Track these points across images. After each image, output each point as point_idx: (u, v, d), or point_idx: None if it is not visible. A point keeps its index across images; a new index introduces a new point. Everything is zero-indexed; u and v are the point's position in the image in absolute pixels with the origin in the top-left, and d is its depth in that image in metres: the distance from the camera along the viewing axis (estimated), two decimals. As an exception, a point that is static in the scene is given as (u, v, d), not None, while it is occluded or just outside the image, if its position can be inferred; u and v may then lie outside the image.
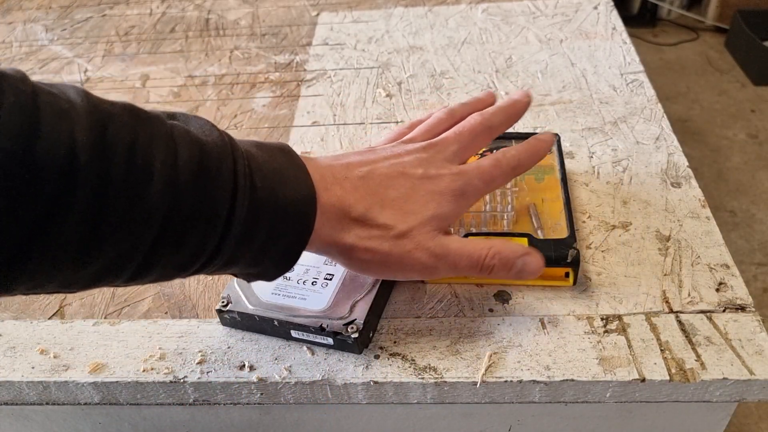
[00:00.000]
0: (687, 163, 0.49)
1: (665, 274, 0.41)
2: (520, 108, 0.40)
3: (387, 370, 0.37)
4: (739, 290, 0.39)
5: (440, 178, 0.35)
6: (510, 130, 0.55)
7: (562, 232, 0.41)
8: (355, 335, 0.36)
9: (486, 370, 0.36)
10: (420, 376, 0.36)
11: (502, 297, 0.40)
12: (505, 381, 0.36)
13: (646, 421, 0.40)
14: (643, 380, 0.35)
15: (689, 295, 0.39)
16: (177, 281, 0.43)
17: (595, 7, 0.73)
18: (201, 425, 0.43)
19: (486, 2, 0.76)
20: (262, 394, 0.38)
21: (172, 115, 0.31)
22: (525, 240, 0.40)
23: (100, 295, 0.43)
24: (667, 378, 0.35)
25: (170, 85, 0.67)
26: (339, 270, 0.40)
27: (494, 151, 0.44)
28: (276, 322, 0.38)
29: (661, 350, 0.36)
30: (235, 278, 0.39)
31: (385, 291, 0.40)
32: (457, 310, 0.40)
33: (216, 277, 0.44)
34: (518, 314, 0.39)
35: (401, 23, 0.74)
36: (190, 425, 0.43)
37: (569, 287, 0.40)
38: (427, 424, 0.42)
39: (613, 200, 0.47)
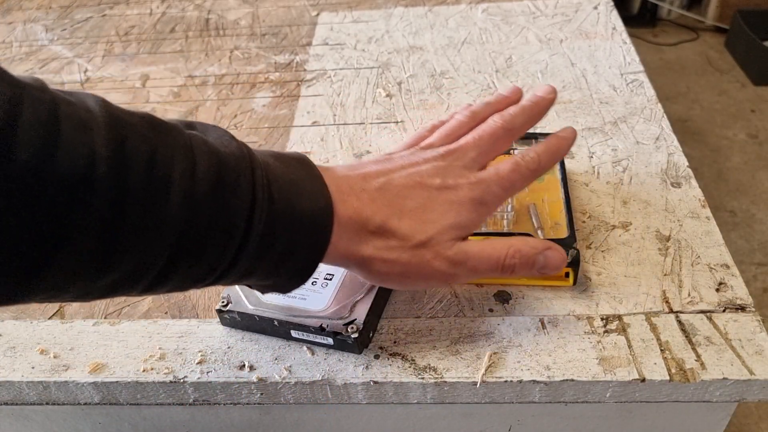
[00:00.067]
0: (687, 163, 0.49)
1: (665, 274, 0.41)
2: (543, 106, 0.39)
3: (387, 370, 0.37)
4: (739, 290, 0.39)
5: (459, 188, 0.34)
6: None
7: (562, 232, 0.41)
8: (355, 335, 0.36)
9: (486, 370, 0.36)
10: (420, 376, 0.36)
11: (502, 297, 0.40)
12: (505, 381, 0.36)
13: (646, 421, 0.40)
14: (643, 380, 0.35)
15: (689, 295, 0.39)
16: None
17: (595, 7, 0.73)
18: (201, 425, 0.43)
19: (486, 2, 0.76)
20: (262, 394, 0.38)
21: (190, 125, 0.31)
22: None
23: (100, 295, 0.43)
24: (667, 378, 0.35)
25: (170, 85, 0.67)
26: (339, 270, 0.40)
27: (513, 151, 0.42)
28: (276, 322, 0.38)
29: (661, 350, 0.36)
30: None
31: (385, 291, 0.40)
32: (457, 310, 0.40)
33: (216, 277, 0.44)
34: (518, 314, 0.39)
35: (401, 23, 0.74)
36: (190, 425, 0.43)
37: (569, 287, 0.40)
38: (427, 424, 0.42)
39: (613, 200, 0.47)
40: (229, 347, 0.39)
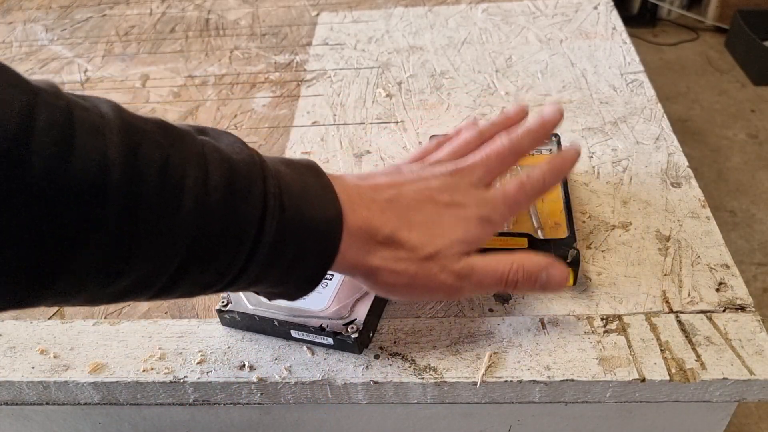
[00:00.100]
0: (687, 163, 0.49)
1: (665, 274, 0.41)
2: (549, 128, 0.40)
3: (387, 370, 0.37)
4: (739, 290, 0.39)
5: (467, 205, 0.35)
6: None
7: (562, 232, 0.41)
8: (355, 335, 0.36)
9: (486, 370, 0.36)
10: (420, 376, 0.36)
11: (502, 297, 0.40)
12: (505, 381, 0.36)
13: (646, 421, 0.40)
14: (643, 380, 0.35)
15: (689, 295, 0.39)
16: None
17: (595, 7, 0.73)
18: (201, 425, 0.43)
19: (486, 2, 0.76)
20: (262, 394, 0.38)
21: (202, 130, 0.31)
22: (525, 240, 0.40)
23: (100, 295, 0.43)
24: (667, 378, 0.35)
25: (170, 85, 0.67)
26: (339, 270, 0.40)
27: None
28: (276, 322, 0.38)
29: (661, 350, 0.36)
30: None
31: (385, 291, 0.40)
32: (457, 310, 0.40)
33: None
34: (518, 314, 0.39)
35: (401, 23, 0.74)
36: (190, 425, 0.43)
37: (569, 287, 0.40)
38: (427, 424, 0.42)
39: (613, 200, 0.47)
40: (229, 347, 0.39)
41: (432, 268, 0.34)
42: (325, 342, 0.38)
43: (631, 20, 2.31)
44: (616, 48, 0.65)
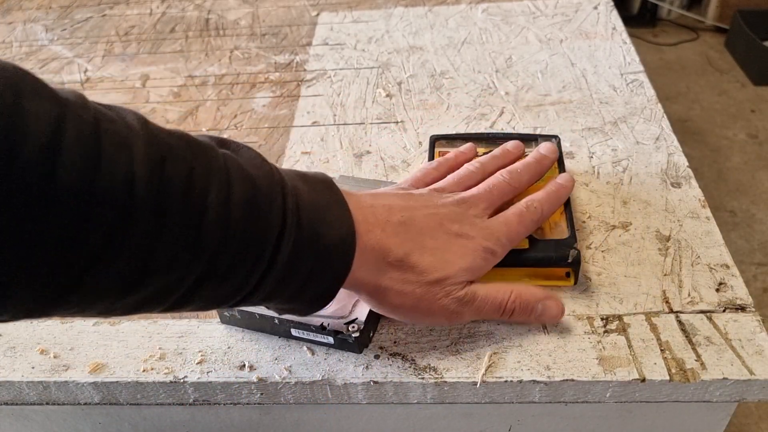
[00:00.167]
0: (687, 163, 0.49)
1: (665, 274, 0.41)
2: (546, 165, 0.44)
3: (387, 370, 0.37)
4: (739, 290, 0.39)
5: (473, 237, 0.37)
6: (509, 130, 0.55)
7: (562, 232, 0.41)
8: (356, 334, 0.36)
9: (486, 370, 0.36)
10: (420, 376, 0.36)
11: (502, 297, 0.40)
12: (505, 381, 0.36)
13: (646, 421, 0.40)
14: (643, 380, 0.35)
15: (689, 295, 0.39)
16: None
17: (595, 7, 0.73)
18: (201, 425, 0.43)
19: (486, 2, 0.76)
20: (262, 394, 0.38)
21: (223, 142, 0.31)
22: (525, 240, 0.40)
23: (100, 295, 0.43)
24: (667, 378, 0.35)
25: (170, 85, 0.67)
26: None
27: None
28: (276, 321, 0.38)
29: (661, 350, 0.36)
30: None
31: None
32: (457, 310, 0.40)
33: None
34: (518, 314, 0.39)
35: (401, 23, 0.74)
36: (190, 425, 0.43)
37: (569, 287, 0.40)
38: (427, 424, 0.42)
39: (613, 200, 0.47)
40: (229, 347, 0.39)
41: (437, 293, 0.35)
42: (325, 341, 0.38)
43: (631, 20, 2.31)
44: (616, 48, 0.65)
